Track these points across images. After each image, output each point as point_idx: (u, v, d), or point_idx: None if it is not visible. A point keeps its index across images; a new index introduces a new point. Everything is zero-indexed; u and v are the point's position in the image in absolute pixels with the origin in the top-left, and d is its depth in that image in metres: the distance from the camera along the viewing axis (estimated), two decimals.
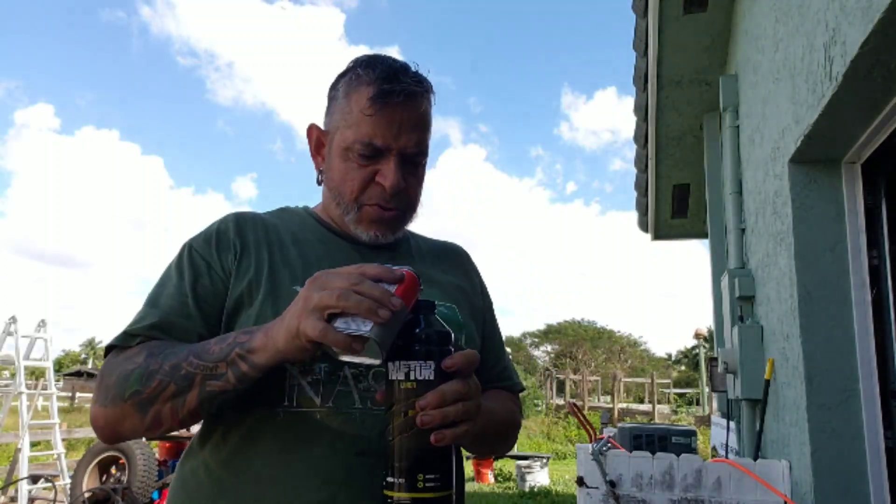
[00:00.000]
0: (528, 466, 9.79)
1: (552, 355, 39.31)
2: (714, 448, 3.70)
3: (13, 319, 7.28)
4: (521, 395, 1.25)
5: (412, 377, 0.78)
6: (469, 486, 9.75)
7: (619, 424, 4.23)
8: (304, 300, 0.80)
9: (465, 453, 1.17)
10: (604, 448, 1.98)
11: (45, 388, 8.01)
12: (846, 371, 1.85)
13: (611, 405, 19.00)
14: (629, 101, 5.21)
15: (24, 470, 6.90)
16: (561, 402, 20.43)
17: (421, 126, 1.03)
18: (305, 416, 0.93)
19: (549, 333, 40.87)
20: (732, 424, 2.96)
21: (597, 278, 79.56)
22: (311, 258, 1.04)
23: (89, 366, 35.08)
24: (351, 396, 0.95)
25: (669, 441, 3.70)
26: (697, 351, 24.74)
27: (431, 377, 0.78)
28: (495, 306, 1.28)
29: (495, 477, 10.54)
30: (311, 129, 1.11)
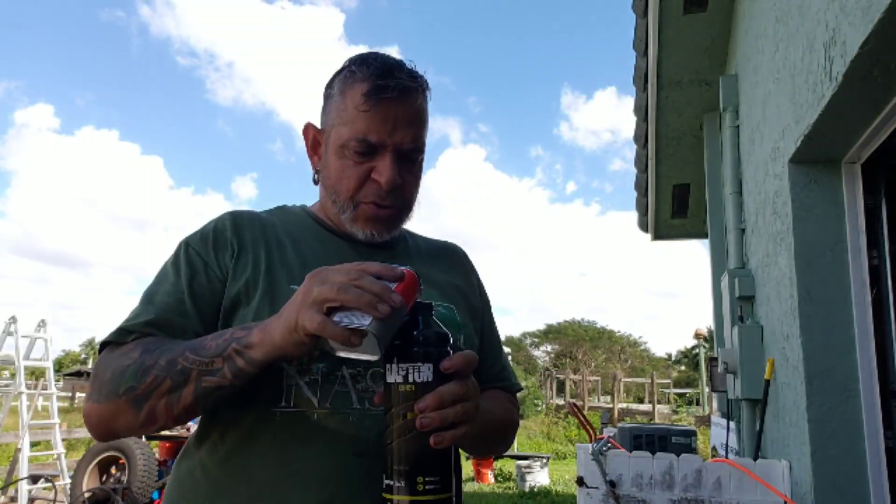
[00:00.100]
0: (528, 466, 9.79)
1: (552, 355, 39.31)
2: (714, 448, 3.70)
3: (13, 319, 7.28)
4: (520, 395, 1.25)
5: (410, 379, 0.77)
6: (469, 486, 9.75)
7: (619, 424, 4.23)
8: (303, 294, 0.80)
9: (464, 453, 1.17)
10: (604, 448, 1.98)
11: (45, 388, 8.01)
12: (846, 371, 1.85)
13: (611, 405, 19.01)
14: (629, 101, 5.21)
15: (24, 470, 6.90)
16: (561, 402, 20.43)
17: (416, 122, 1.03)
18: (303, 417, 0.92)
19: (549, 333, 40.88)
20: (732, 424, 2.95)
21: (597, 278, 79.74)
22: (308, 257, 1.04)
23: (89, 366, 35.03)
24: (349, 397, 0.94)
25: (669, 441, 3.70)
26: (697, 351, 24.75)
27: (430, 379, 0.77)
28: (495, 306, 1.28)
29: (495, 477, 10.54)
30: (308, 128, 1.11)
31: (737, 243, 2.92)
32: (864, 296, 1.87)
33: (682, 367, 36.21)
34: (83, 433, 9.41)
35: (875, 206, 1.91)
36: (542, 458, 10.36)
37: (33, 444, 7.78)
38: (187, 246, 1.03)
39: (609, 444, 2.00)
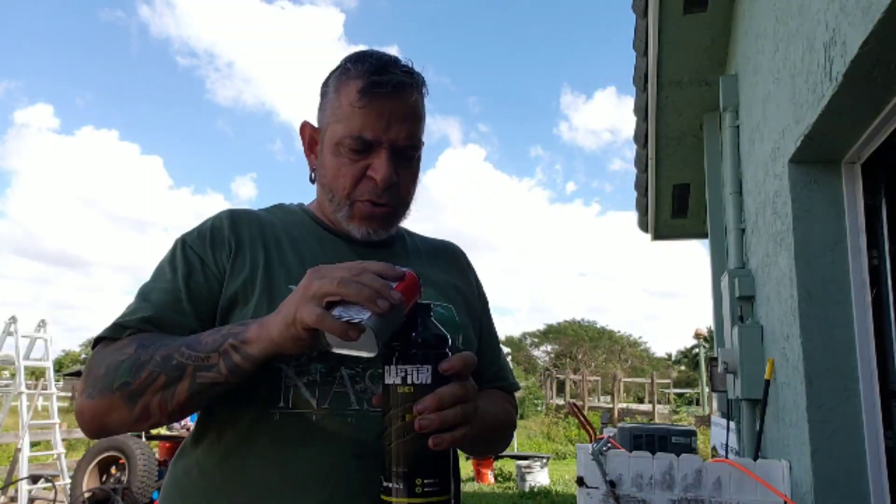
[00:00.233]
0: (528, 466, 9.78)
1: (552, 355, 39.31)
2: (714, 448, 3.70)
3: (13, 319, 7.27)
4: (520, 395, 1.25)
5: (409, 381, 0.77)
6: (469, 486, 9.76)
7: (619, 424, 4.23)
8: (303, 289, 0.80)
9: (463, 454, 1.17)
10: (604, 448, 1.98)
11: (45, 388, 8.01)
12: (846, 371, 1.85)
13: (611, 405, 19.00)
14: (629, 101, 5.21)
15: (24, 470, 6.89)
16: (561, 402, 20.43)
17: (412, 118, 1.01)
18: (301, 418, 0.92)
19: (549, 333, 40.88)
20: (732, 424, 2.95)
21: (597, 278, 79.72)
22: (306, 257, 1.03)
23: None
24: (347, 398, 0.94)
25: (669, 441, 3.71)
26: (697, 351, 24.71)
27: (429, 381, 0.77)
28: (495, 306, 1.28)
29: (495, 477, 10.54)
30: (305, 126, 1.10)
31: (737, 243, 2.92)
32: (864, 296, 1.87)
33: (682, 367, 36.18)
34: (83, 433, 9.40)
35: (875, 205, 1.91)
36: (542, 458, 10.36)
37: (33, 444, 7.77)
38: (184, 243, 1.02)
39: (609, 444, 2.00)
